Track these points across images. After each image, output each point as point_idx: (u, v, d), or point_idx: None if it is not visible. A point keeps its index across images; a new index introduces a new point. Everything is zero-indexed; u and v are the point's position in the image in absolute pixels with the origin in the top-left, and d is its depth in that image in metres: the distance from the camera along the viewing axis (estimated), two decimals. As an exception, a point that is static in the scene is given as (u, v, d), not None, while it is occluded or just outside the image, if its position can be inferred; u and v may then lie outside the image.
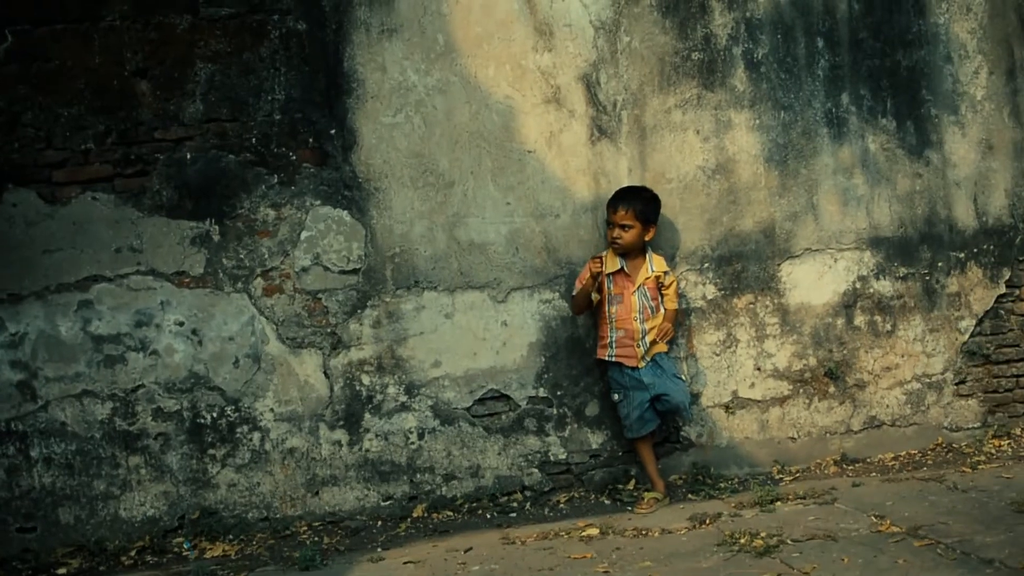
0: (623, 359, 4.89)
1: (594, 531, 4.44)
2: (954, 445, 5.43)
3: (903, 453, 5.40)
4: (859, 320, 5.35)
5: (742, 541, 4.09)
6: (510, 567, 4.08)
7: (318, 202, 4.81)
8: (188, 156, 4.71)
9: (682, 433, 5.19)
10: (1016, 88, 5.56)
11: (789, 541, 4.05)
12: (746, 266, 5.21)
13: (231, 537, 4.71)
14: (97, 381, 4.69)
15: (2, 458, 4.62)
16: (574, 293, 4.92)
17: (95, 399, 4.68)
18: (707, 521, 4.45)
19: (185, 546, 4.64)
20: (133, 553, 4.63)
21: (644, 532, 4.40)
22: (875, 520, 4.25)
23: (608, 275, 4.87)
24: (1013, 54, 5.56)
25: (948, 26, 5.46)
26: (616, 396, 4.93)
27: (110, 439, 4.70)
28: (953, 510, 4.31)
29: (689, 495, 4.94)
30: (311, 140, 4.80)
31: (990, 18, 5.53)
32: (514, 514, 4.88)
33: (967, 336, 5.51)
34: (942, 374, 5.48)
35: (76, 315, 4.66)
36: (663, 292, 4.96)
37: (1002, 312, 5.57)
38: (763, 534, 4.14)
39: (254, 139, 4.75)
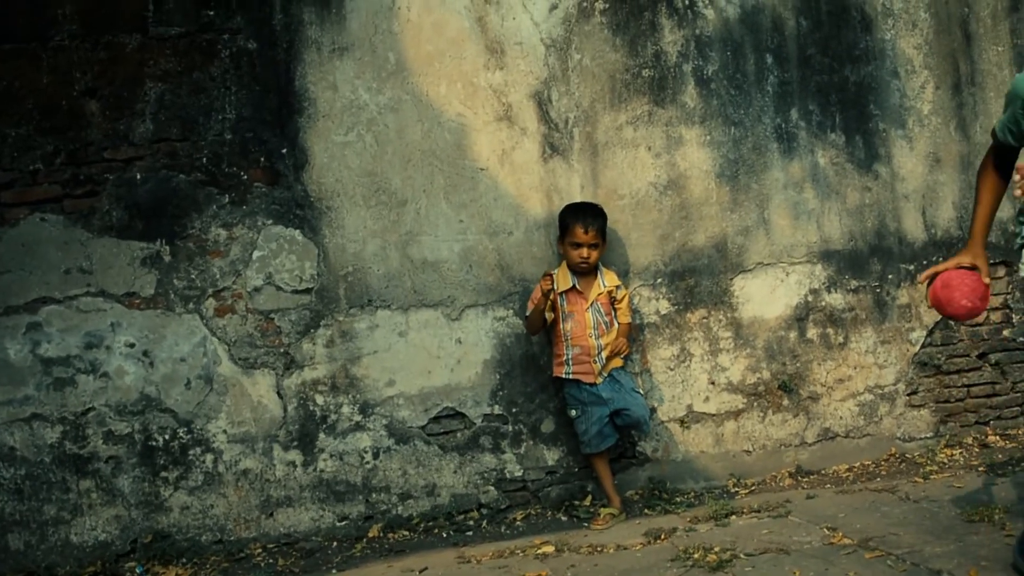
0: (580, 376, 4.89)
1: (549, 548, 4.44)
2: (907, 455, 5.48)
3: (857, 464, 5.44)
4: (812, 333, 5.39)
5: (696, 556, 4.10)
6: (464, 586, 4.07)
7: (270, 221, 4.79)
8: (138, 176, 4.68)
9: (638, 448, 5.21)
10: (962, 102, 5.64)
11: (742, 555, 4.07)
12: (699, 281, 5.24)
13: (184, 560, 4.67)
14: (46, 404, 4.64)
15: (-50, 484, 4.56)
16: (527, 314, 4.91)
17: (44, 423, 4.63)
18: (662, 536, 4.46)
19: (137, 570, 4.59)
20: (85, 578, 4.59)
21: (599, 548, 4.39)
22: (827, 532, 4.27)
23: (561, 293, 4.88)
24: (959, 69, 5.64)
25: (895, 42, 5.54)
26: (574, 412, 4.93)
27: (60, 463, 4.65)
28: (904, 521, 4.34)
29: (645, 510, 4.95)
30: (262, 159, 4.78)
31: (935, 34, 5.61)
32: (470, 532, 4.86)
33: (918, 347, 5.57)
34: (894, 385, 5.53)
35: (25, 337, 4.61)
36: (616, 307, 4.98)
37: (952, 323, 5.64)
38: (717, 548, 4.15)
39: (205, 158, 4.73)
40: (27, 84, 4.60)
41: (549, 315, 4.88)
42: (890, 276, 5.51)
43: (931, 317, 5.58)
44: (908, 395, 5.56)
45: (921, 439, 5.56)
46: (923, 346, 5.58)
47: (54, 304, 4.63)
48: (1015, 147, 3.53)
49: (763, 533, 4.36)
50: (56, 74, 4.61)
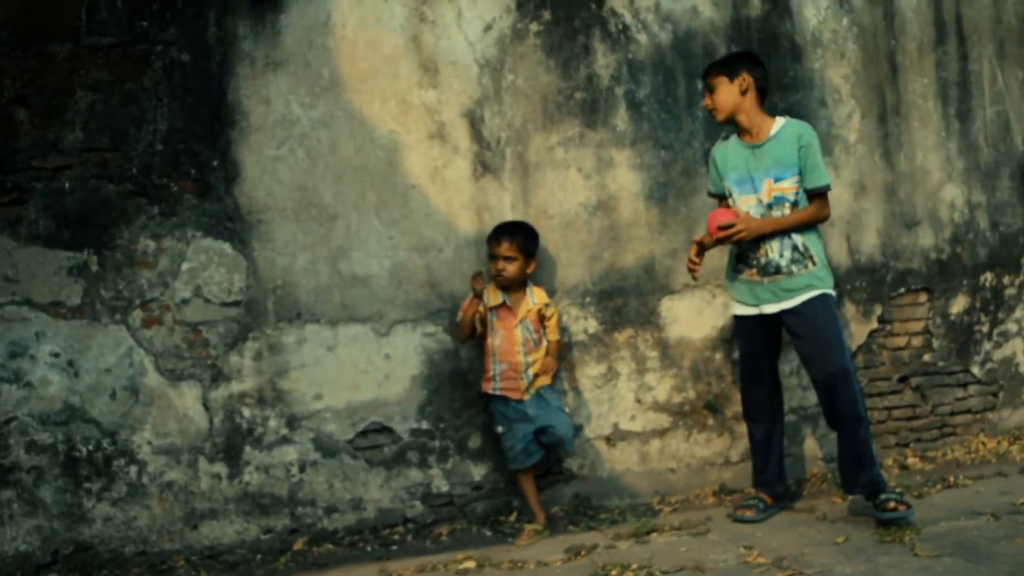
0: (507, 392, 4.93)
1: (471, 564, 4.46)
2: (828, 475, 5.57)
3: (780, 484, 5.53)
4: (737, 354, 5.46)
5: (613, 573, 4.15)
6: (383, 601, 4.09)
7: (200, 234, 4.79)
8: (67, 185, 4.65)
9: (564, 465, 5.26)
10: (887, 132, 5.78)
11: (658, 572, 4.13)
12: (627, 301, 5.31)
13: (106, 572, 4.62)
14: (-32, 413, 4.60)
15: None
16: (458, 319, 4.96)
17: (-34, 432, 4.59)
18: (582, 553, 4.50)
19: (58, 582, 4.57)
20: (3, 590, 4.55)
21: (520, 564, 4.43)
22: (744, 551, 4.35)
23: (491, 309, 4.92)
24: (885, 99, 5.78)
25: (823, 71, 5.67)
26: (500, 428, 4.97)
27: (-19, 473, 4.61)
28: (819, 541, 4.43)
29: (570, 527, 4.99)
30: (193, 171, 4.78)
31: (863, 64, 5.75)
32: (395, 547, 4.87)
33: (841, 370, 5.67)
34: (817, 406, 5.60)
35: (-53, 345, 4.57)
36: (544, 324, 5.03)
37: (874, 347, 5.77)
38: (634, 566, 4.20)
39: (135, 169, 4.71)
40: (-45, 90, 4.57)
41: (479, 327, 4.93)
42: (815, 300, 5.61)
43: (854, 341, 5.69)
44: (830, 417, 5.65)
45: (843, 460, 5.65)
46: (846, 369, 5.68)
47: (-22, 312, 4.60)
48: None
49: (681, 551, 4.42)
50: (-16, 81, 4.59)
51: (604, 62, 5.31)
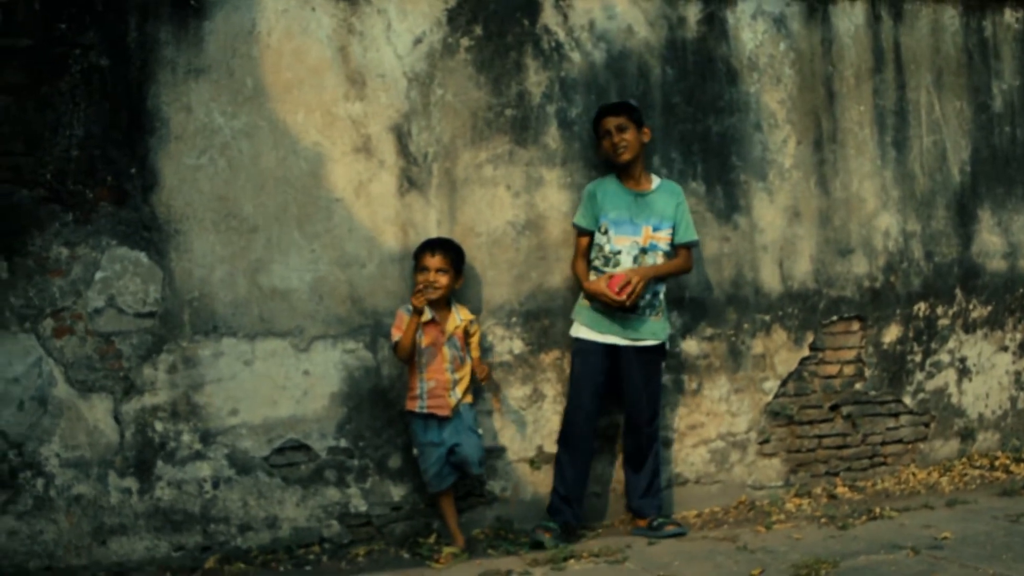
0: (435, 409, 4.86)
1: (382, 587, 4.39)
2: (756, 503, 5.54)
3: (707, 510, 5.49)
4: (666, 378, 5.42)
5: (523, 601, 4.09)
6: (285, 624, 4.00)
7: (115, 242, 4.68)
8: (-23, 190, 4.55)
9: (487, 487, 5.18)
10: (823, 158, 5.76)
11: (566, 602, 4.07)
12: (554, 322, 5.25)
13: (10, 587, 4.52)
14: None
15: None
16: (395, 342, 4.84)
17: None
18: (496, 578, 4.43)
19: (-43, 596, 4.44)
20: (-102, 604, 4.42)
21: (433, 588, 4.36)
22: (659, 581, 4.29)
23: (419, 326, 4.84)
24: (821, 125, 5.76)
25: (759, 96, 5.64)
26: (415, 451, 4.90)
27: None
28: (734, 571, 4.37)
29: (489, 550, 4.92)
30: (110, 178, 4.67)
31: (799, 90, 5.72)
32: (310, 567, 4.79)
33: (771, 396, 5.64)
34: (746, 433, 5.59)
35: None
36: (469, 342, 4.97)
37: (806, 374, 5.73)
38: (544, 594, 4.14)
39: (49, 175, 4.60)
40: None
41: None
42: (745, 326, 5.58)
43: (785, 368, 5.66)
44: (760, 443, 5.63)
45: (771, 487, 5.62)
46: (776, 395, 5.65)
47: None
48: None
49: (596, 580, 4.36)
50: None
51: (536, 79, 5.25)
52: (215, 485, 4.80)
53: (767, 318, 5.62)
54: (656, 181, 5.20)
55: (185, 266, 4.76)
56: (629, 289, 4.89)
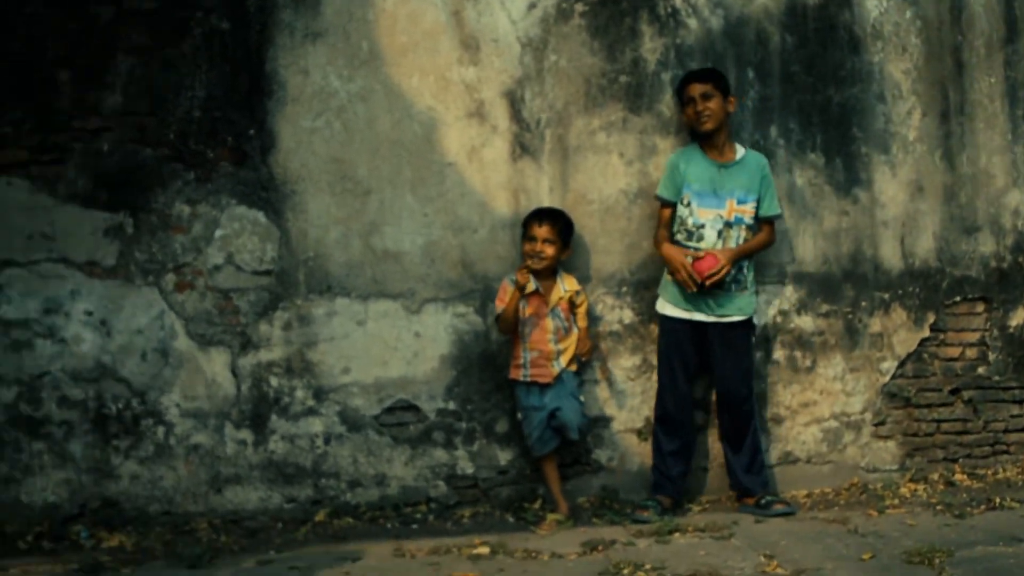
0: (538, 377, 4.88)
1: (485, 550, 4.39)
2: (869, 486, 5.39)
3: (817, 491, 5.36)
4: (778, 354, 5.33)
5: (625, 572, 4.00)
6: (388, 581, 4.03)
7: (234, 201, 4.83)
8: (105, 147, 4.73)
9: (593, 456, 5.17)
10: (949, 131, 5.56)
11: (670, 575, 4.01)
12: (664, 292, 5.20)
13: (130, 529, 4.70)
14: (3, 365, 4.70)
15: (-99, 435, 4.62)
16: (498, 313, 4.88)
17: (1, 383, 4.68)
18: (599, 548, 4.37)
19: (82, 535, 4.63)
20: (30, 538, 4.61)
21: (534, 554, 4.33)
22: (763, 560, 4.16)
23: (522, 296, 4.86)
24: (948, 97, 5.56)
25: (883, 65, 5.47)
26: (519, 415, 4.93)
27: (14, 423, 4.70)
28: (844, 555, 4.20)
29: (594, 519, 4.91)
30: (230, 139, 4.82)
31: (925, 60, 5.53)
32: (416, 525, 4.86)
33: (888, 377, 5.48)
34: (861, 414, 5.45)
35: (-15, 298, 4.68)
36: (575, 312, 4.96)
37: (925, 356, 5.55)
38: (648, 566, 4.05)
39: (172, 135, 4.77)
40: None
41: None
42: (863, 303, 5.43)
43: (904, 348, 5.49)
44: (875, 425, 5.47)
45: (885, 471, 5.47)
46: (893, 377, 5.49)
47: (16, 268, 4.69)
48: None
49: (700, 554, 4.27)
50: (29, 41, 4.67)
51: (651, 46, 5.20)
52: (327, 441, 4.91)
53: (886, 296, 5.46)
54: (741, 151, 5.05)
55: (301, 226, 4.87)
56: (717, 279, 4.84)
